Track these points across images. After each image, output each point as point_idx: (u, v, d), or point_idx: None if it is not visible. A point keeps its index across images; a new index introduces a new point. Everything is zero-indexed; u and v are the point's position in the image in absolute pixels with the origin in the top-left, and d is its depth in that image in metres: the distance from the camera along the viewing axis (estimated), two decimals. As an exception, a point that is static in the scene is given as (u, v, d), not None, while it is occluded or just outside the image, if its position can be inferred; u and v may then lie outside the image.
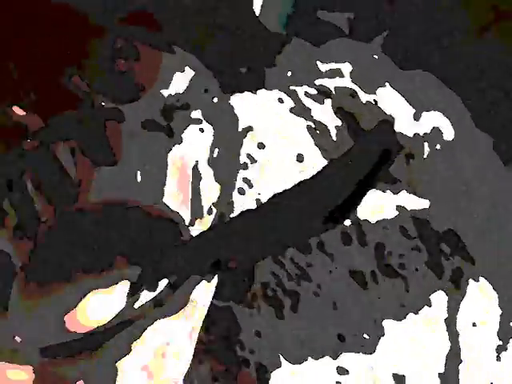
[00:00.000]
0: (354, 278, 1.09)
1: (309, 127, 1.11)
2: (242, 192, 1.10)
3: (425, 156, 1.10)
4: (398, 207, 1.09)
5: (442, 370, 1.11)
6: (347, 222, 1.08)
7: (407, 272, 1.09)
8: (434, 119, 1.11)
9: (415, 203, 1.09)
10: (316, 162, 1.09)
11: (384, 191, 1.09)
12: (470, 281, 1.09)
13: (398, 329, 1.11)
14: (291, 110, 1.11)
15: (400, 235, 1.09)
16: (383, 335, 1.11)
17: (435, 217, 1.09)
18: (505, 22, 1.17)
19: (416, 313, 1.11)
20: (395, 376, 1.11)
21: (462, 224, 1.10)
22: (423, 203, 1.09)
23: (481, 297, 1.09)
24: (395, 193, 1.09)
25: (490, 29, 1.16)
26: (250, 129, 1.09)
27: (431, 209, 1.08)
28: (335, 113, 1.10)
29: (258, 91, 1.11)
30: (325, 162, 1.08)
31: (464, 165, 1.12)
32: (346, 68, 1.11)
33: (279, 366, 1.11)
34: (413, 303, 1.11)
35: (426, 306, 1.10)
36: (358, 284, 1.10)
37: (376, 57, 1.12)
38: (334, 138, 1.09)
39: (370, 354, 1.11)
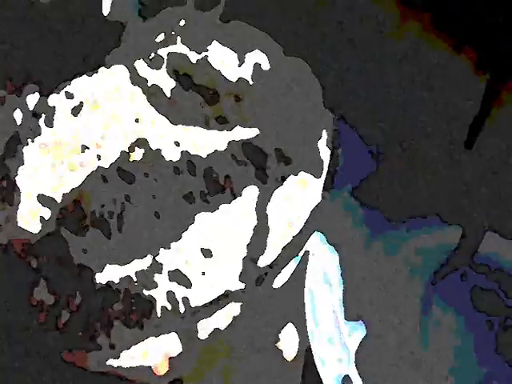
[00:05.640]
0: (183, 197, 1.29)
1: (144, 92, 1.32)
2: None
3: (253, 94, 1.31)
4: (230, 140, 1.31)
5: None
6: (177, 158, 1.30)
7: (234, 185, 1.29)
8: (255, 58, 1.31)
9: (246, 134, 1.30)
10: (153, 119, 1.31)
11: (220, 130, 1.31)
12: (290, 176, 1.29)
13: (209, 220, 1.30)
14: (128, 80, 1.32)
15: (229, 159, 1.30)
16: (192, 224, 1.30)
17: (264, 141, 1.30)
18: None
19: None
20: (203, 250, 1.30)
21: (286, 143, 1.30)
22: (253, 132, 1.30)
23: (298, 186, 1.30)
24: (229, 130, 1.30)
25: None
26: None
27: (260, 135, 1.30)
28: (170, 76, 1.32)
29: (99, 69, 1.33)
30: (163, 118, 1.31)
31: (285, 92, 1.32)
32: (177, 35, 1.33)
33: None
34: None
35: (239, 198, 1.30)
36: (186, 201, 1.29)
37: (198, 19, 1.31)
38: (169, 95, 1.31)
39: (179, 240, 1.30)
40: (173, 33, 1.31)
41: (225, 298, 1.27)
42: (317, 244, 1.26)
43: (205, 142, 1.30)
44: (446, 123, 1.27)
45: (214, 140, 1.30)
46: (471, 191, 1.25)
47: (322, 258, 1.25)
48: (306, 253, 1.27)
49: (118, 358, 1.29)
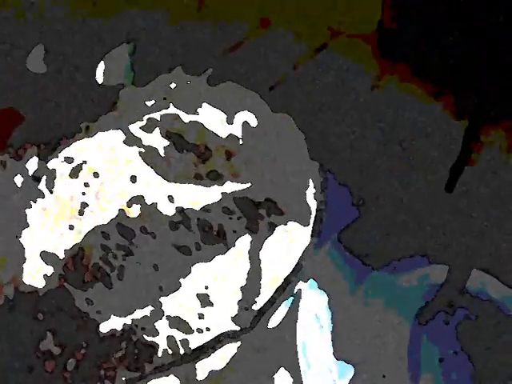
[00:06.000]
0: (179, 250, 1.34)
1: (140, 152, 1.38)
2: (81, 213, 1.37)
3: (243, 149, 1.35)
4: (222, 193, 1.35)
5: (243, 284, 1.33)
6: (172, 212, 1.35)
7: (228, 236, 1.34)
8: (243, 116, 1.37)
9: (237, 187, 1.35)
10: (149, 177, 1.37)
11: (212, 186, 1.36)
12: (280, 226, 1.34)
13: (205, 269, 1.35)
14: (124, 142, 1.38)
15: (222, 212, 1.34)
16: (189, 274, 1.35)
17: (254, 193, 1.34)
18: (339, 38, 1.33)
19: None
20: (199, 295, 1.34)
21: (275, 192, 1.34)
22: (244, 186, 1.34)
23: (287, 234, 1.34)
24: (220, 185, 1.36)
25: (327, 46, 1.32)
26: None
27: (251, 188, 1.34)
28: (164, 136, 1.37)
29: (96, 133, 1.39)
30: (158, 176, 1.36)
31: (272, 146, 1.35)
32: (169, 99, 1.39)
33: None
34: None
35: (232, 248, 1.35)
36: (182, 253, 1.34)
37: (189, 82, 1.36)
38: (163, 155, 1.36)
39: (177, 290, 1.34)
40: (165, 97, 1.38)
41: (221, 339, 1.33)
42: (306, 287, 1.31)
43: (198, 196, 1.36)
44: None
45: (207, 194, 1.36)
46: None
47: (312, 301, 1.30)
48: (297, 296, 1.31)
49: (122, 402, 1.35)
